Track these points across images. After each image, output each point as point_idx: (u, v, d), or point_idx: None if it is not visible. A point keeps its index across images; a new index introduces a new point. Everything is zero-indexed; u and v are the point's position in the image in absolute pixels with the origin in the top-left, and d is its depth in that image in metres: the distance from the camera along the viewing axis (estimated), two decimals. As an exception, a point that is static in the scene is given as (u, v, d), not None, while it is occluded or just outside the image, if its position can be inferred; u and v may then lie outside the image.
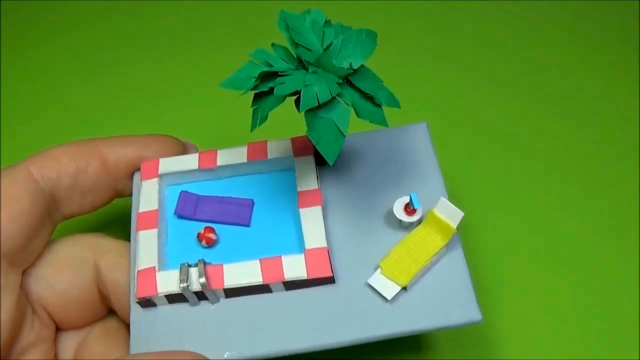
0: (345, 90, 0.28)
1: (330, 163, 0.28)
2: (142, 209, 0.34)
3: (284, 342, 0.30)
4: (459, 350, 0.39)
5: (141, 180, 0.35)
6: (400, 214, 0.32)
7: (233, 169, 0.35)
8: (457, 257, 0.32)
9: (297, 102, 0.28)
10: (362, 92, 0.28)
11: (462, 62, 0.49)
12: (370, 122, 0.28)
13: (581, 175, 0.45)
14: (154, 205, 0.34)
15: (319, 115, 0.27)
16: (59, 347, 0.35)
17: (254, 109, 0.29)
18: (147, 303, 0.32)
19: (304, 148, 0.34)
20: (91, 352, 0.34)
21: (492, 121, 0.48)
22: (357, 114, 0.28)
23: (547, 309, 0.40)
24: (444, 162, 0.44)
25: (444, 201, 0.32)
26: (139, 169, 0.36)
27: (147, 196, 0.34)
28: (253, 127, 0.29)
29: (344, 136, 0.27)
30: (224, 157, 0.35)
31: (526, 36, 0.52)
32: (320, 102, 0.27)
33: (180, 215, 0.34)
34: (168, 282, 0.31)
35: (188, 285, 0.31)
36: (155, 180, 0.35)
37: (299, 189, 0.33)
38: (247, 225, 0.34)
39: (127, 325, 0.35)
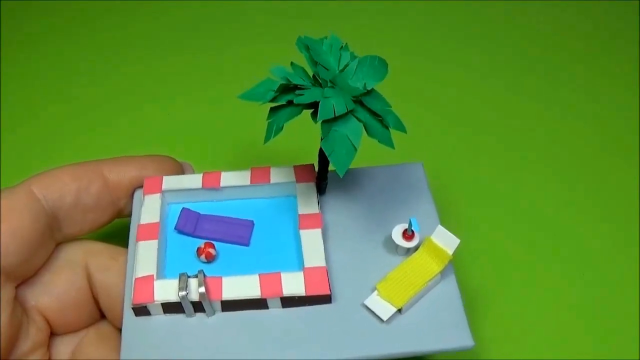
0: (359, 109, 0.29)
1: (341, 175, 0.29)
2: (143, 221, 0.34)
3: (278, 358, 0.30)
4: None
5: (144, 195, 0.35)
6: (398, 239, 0.33)
7: (235, 192, 0.36)
8: (450, 284, 0.33)
9: (314, 114, 0.29)
10: (373, 112, 0.30)
11: (461, 62, 0.49)
12: (378, 141, 0.30)
13: (582, 172, 0.45)
14: (155, 219, 0.34)
15: (334, 128, 0.29)
16: (53, 351, 0.34)
17: (269, 122, 0.30)
18: (141, 311, 0.31)
19: (306, 175, 0.36)
20: (86, 356, 0.34)
21: (491, 120, 0.48)
22: (367, 132, 0.30)
23: (546, 308, 0.40)
24: (443, 161, 0.45)
25: (441, 229, 0.33)
26: (139, 187, 0.36)
27: (149, 209, 0.35)
28: (267, 138, 0.30)
29: (355, 150, 0.29)
30: (227, 179, 0.36)
31: (527, 36, 0.52)
32: (336, 115, 0.28)
33: (180, 231, 0.34)
34: (166, 290, 0.31)
35: (187, 294, 0.31)
36: (158, 195, 0.35)
37: (300, 212, 0.34)
38: (247, 245, 0.34)
39: (119, 329, 0.35)
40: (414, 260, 0.33)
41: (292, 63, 0.31)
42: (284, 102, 0.30)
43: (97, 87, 0.52)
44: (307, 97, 0.28)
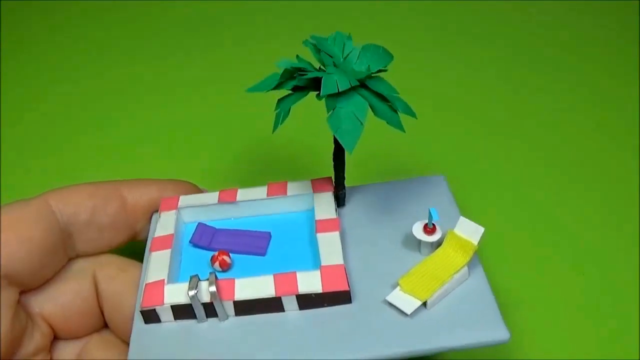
0: (363, 91, 0.29)
1: (350, 151, 0.28)
2: (158, 234, 0.33)
3: None
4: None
5: (160, 213, 0.35)
6: (419, 234, 0.31)
7: (252, 207, 0.35)
8: (478, 276, 0.30)
9: (318, 95, 0.29)
10: (379, 95, 0.30)
11: (463, 59, 0.49)
12: (387, 123, 0.29)
13: (583, 167, 0.44)
14: (169, 231, 0.33)
15: (339, 105, 0.28)
16: (58, 353, 0.33)
17: (276, 113, 0.30)
18: (151, 316, 0.30)
19: (323, 186, 0.35)
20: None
21: (495, 115, 0.47)
22: (375, 113, 0.29)
23: (554, 308, 0.38)
24: (448, 157, 0.44)
25: (464, 219, 0.31)
26: (157, 211, 0.36)
27: (164, 224, 0.34)
28: (275, 126, 0.30)
29: (362, 125, 0.28)
30: (244, 195, 0.35)
31: (529, 34, 0.52)
32: (339, 90, 0.28)
33: (195, 244, 0.34)
34: (176, 293, 0.30)
35: (197, 293, 0.29)
36: (174, 212, 0.35)
37: (317, 218, 0.33)
38: (263, 255, 0.33)
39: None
40: (437, 255, 0.31)
41: (297, 56, 0.31)
42: (290, 89, 0.30)
43: (97, 86, 0.53)
44: (310, 75, 0.28)
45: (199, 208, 0.35)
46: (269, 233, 0.34)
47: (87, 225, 0.34)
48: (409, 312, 0.29)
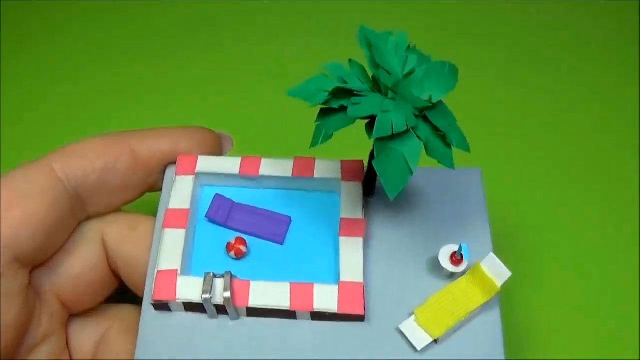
0: (420, 125, 0.26)
1: (392, 198, 0.26)
2: (172, 206, 0.32)
3: None
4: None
5: (176, 175, 0.33)
6: (445, 262, 0.30)
7: (274, 181, 0.33)
8: (493, 315, 0.30)
9: (369, 126, 0.26)
10: (436, 129, 0.26)
11: (463, 59, 0.47)
12: (438, 161, 0.27)
13: (583, 167, 0.45)
14: (185, 205, 0.32)
15: (390, 146, 0.25)
16: (75, 341, 0.33)
17: (317, 125, 0.27)
18: (162, 306, 0.30)
19: (353, 174, 0.33)
20: (113, 349, 0.32)
21: (495, 115, 0.47)
22: (427, 151, 0.26)
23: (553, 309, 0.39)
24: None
25: (493, 257, 0.30)
26: (172, 163, 0.34)
27: (180, 193, 0.32)
28: (314, 143, 0.27)
29: (412, 173, 0.26)
30: (267, 167, 0.33)
31: (529, 34, 0.51)
32: (394, 132, 0.25)
33: (211, 220, 0.32)
34: (189, 289, 0.29)
35: (211, 298, 0.29)
36: (191, 178, 0.33)
37: (342, 216, 0.31)
38: (281, 244, 0.32)
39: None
40: (458, 286, 0.30)
41: (350, 60, 0.27)
42: (337, 107, 0.26)
43: (97, 86, 0.52)
44: (363, 107, 0.25)
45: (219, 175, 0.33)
46: (289, 218, 0.32)
47: (97, 188, 0.32)
48: (419, 348, 0.29)
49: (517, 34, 0.52)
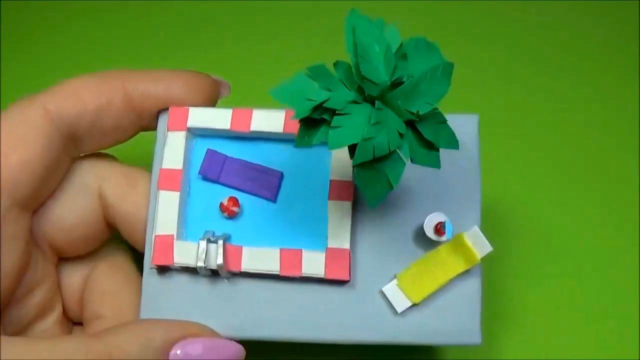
0: (406, 139, 0.25)
1: (371, 207, 0.26)
2: (165, 166, 0.32)
3: (287, 330, 0.31)
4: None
5: (167, 131, 0.33)
6: (430, 231, 0.31)
7: (266, 134, 0.33)
8: (474, 282, 0.32)
9: (351, 148, 0.25)
10: (423, 137, 0.26)
11: (463, 59, 0.46)
12: (422, 165, 0.26)
13: (583, 167, 0.45)
14: (178, 164, 0.32)
15: (372, 165, 0.25)
16: (63, 282, 0.35)
17: (300, 128, 0.26)
18: (161, 268, 0.32)
19: (344, 130, 0.32)
20: (100, 287, 0.34)
21: (495, 115, 0.47)
22: (412, 160, 0.26)
23: (552, 309, 0.41)
24: None
25: (476, 230, 0.31)
26: (165, 109, 0.33)
27: (173, 151, 0.32)
28: (297, 144, 0.26)
29: (392, 188, 0.26)
30: (259, 121, 0.32)
31: (529, 34, 0.51)
32: (375, 157, 0.24)
33: (204, 176, 0.33)
34: (185, 254, 0.31)
35: (205, 267, 0.31)
36: (183, 134, 0.32)
37: (332, 177, 0.32)
38: (273, 201, 0.33)
39: (134, 258, 0.36)
40: (440, 253, 0.31)
41: (336, 63, 0.25)
42: (317, 117, 0.25)
43: None
44: (344, 136, 0.24)
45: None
46: (281, 174, 0.33)
47: (90, 128, 0.32)
48: (399, 311, 0.31)
49: (517, 34, 0.50)
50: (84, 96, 0.32)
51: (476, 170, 0.32)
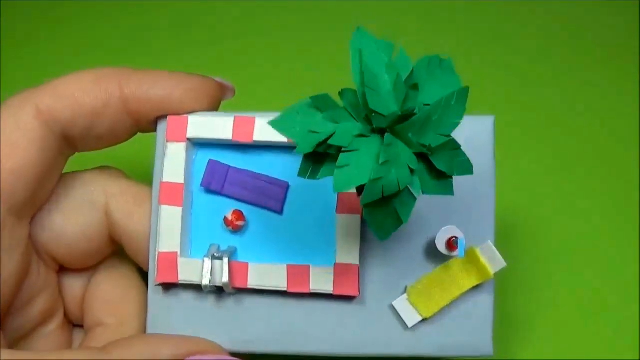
0: (417, 173, 0.24)
1: (381, 240, 0.25)
2: (166, 179, 0.31)
3: (294, 345, 0.31)
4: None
5: (167, 142, 0.31)
6: (441, 245, 0.30)
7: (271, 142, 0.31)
8: (486, 297, 0.31)
9: (359, 188, 0.24)
10: (435, 168, 0.24)
11: (463, 59, 0.46)
12: (434, 195, 0.25)
13: (583, 167, 0.45)
14: (179, 178, 0.31)
15: (381, 203, 0.24)
16: (65, 286, 0.34)
17: (303, 159, 0.25)
18: (166, 285, 0.31)
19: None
20: (103, 294, 0.33)
21: (495, 115, 0.44)
22: (423, 192, 0.24)
23: (551, 308, 0.40)
24: None
25: (490, 246, 0.30)
26: (163, 117, 0.32)
27: (173, 163, 0.31)
28: (300, 174, 0.25)
29: (402, 223, 0.24)
30: (262, 130, 0.31)
31: (529, 34, 0.50)
32: (385, 195, 0.23)
33: (207, 188, 0.32)
34: (190, 271, 0.30)
35: (210, 285, 0.30)
36: (183, 145, 0.31)
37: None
38: (280, 213, 0.31)
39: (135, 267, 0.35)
40: (452, 267, 0.30)
41: (341, 91, 0.24)
42: (322, 151, 0.24)
43: None
44: (351, 176, 0.23)
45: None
46: (287, 184, 0.31)
47: (85, 130, 0.31)
48: (409, 325, 0.31)
49: (517, 34, 0.49)
50: (78, 97, 0.30)
51: (491, 179, 0.31)
